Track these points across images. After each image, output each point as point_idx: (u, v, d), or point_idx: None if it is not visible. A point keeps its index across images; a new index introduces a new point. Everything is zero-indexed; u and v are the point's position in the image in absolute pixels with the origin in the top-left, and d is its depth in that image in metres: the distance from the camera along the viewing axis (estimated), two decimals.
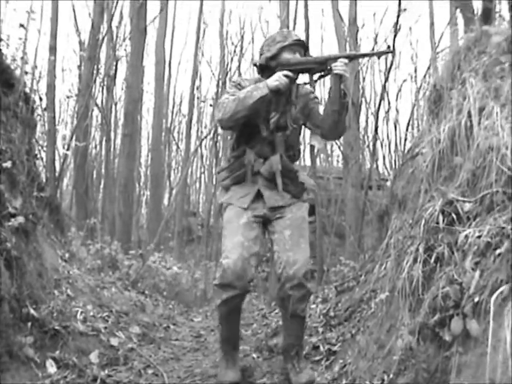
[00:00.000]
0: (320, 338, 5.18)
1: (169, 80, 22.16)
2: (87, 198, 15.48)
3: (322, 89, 21.16)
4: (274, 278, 4.24)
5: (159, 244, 14.36)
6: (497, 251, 2.86)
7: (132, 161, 13.84)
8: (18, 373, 3.52)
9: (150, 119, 21.21)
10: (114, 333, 5.30)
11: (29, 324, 3.96)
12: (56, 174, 11.00)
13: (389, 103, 17.72)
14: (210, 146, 18.20)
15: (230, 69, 19.60)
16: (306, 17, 10.41)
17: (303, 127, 4.13)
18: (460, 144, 4.10)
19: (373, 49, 16.05)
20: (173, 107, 25.44)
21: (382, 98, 11.94)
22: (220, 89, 18.04)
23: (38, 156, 7.14)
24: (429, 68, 12.52)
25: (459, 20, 12.91)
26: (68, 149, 12.00)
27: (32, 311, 4.03)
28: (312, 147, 9.92)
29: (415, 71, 18.12)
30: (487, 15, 6.74)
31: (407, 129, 14.12)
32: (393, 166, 16.99)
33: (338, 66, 3.56)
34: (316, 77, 3.80)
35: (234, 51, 20.51)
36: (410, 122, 14.84)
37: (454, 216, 3.51)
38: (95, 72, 14.49)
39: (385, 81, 12.14)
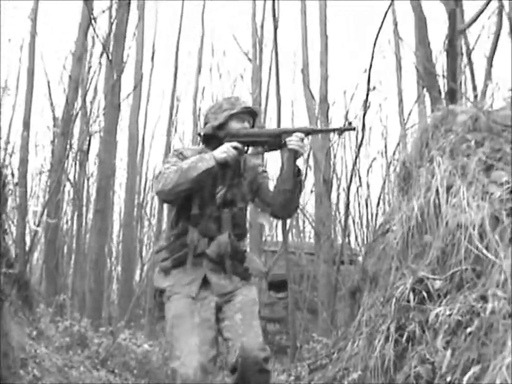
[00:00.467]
0: None
1: (142, 156, 22.24)
2: (57, 273, 15.23)
3: None
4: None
5: (130, 321, 14.11)
6: (468, 329, 2.88)
7: (103, 236, 13.74)
8: None
9: (122, 194, 21.16)
10: None
11: None
12: (26, 249, 10.85)
13: (360, 179, 17.93)
14: None
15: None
16: (278, 93, 10.62)
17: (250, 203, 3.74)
18: (429, 221, 4.15)
19: (344, 124, 16.37)
20: (146, 182, 25.46)
21: (353, 175, 12.09)
22: None
23: (8, 231, 7.08)
24: (398, 145, 12.75)
25: (426, 98, 13.31)
26: (38, 225, 11.90)
27: None
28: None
29: (385, 146, 18.42)
30: (453, 95, 6.97)
31: (378, 205, 14.27)
32: (365, 241, 17.06)
33: (293, 141, 3.23)
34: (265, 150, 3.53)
35: None
36: (381, 198, 15.02)
37: (425, 294, 3.53)
38: (68, 147, 14.53)
39: (356, 158, 12.35)
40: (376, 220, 14.72)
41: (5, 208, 6.58)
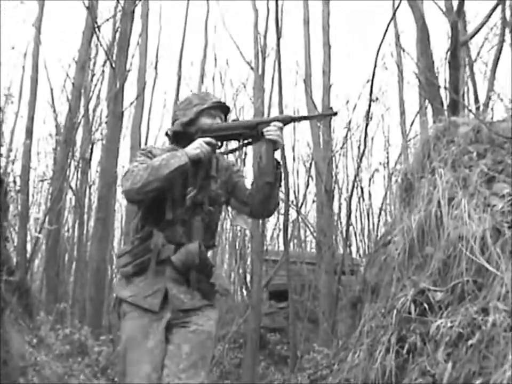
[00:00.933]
0: None
1: None
2: (58, 281, 15.25)
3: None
4: None
5: None
6: (469, 342, 2.87)
7: (104, 244, 13.74)
8: None
9: (123, 202, 21.19)
10: None
11: None
12: (27, 257, 10.86)
13: (361, 190, 17.95)
14: None
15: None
16: (280, 104, 10.66)
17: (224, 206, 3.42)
18: (430, 233, 4.15)
19: (345, 136, 16.40)
20: None
21: (354, 185, 12.11)
22: None
23: (9, 238, 7.08)
24: (400, 156, 12.77)
25: (428, 109, 13.34)
26: (39, 232, 11.90)
27: None
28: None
29: (387, 157, 18.44)
30: (455, 106, 6.98)
31: (379, 216, 14.30)
32: (366, 252, 17.07)
33: (271, 131, 2.97)
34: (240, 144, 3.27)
35: None
36: (383, 208, 15.03)
37: (426, 305, 3.52)
38: (70, 155, 14.57)
39: (358, 169, 12.36)
40: (377, 230, 14.75)
41: (6, 215, 6.59)
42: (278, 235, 20.42)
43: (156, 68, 19.84)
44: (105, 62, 15.96)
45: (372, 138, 18.21)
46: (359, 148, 16.97)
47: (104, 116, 16.83)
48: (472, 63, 11.45)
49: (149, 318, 2.91)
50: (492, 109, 8.52)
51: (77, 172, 17.51)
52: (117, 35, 13.57)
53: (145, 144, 21.31)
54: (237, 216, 3.41)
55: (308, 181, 17.09)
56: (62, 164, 13.55)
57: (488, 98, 9.00)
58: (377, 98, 15.82)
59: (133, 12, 10.25)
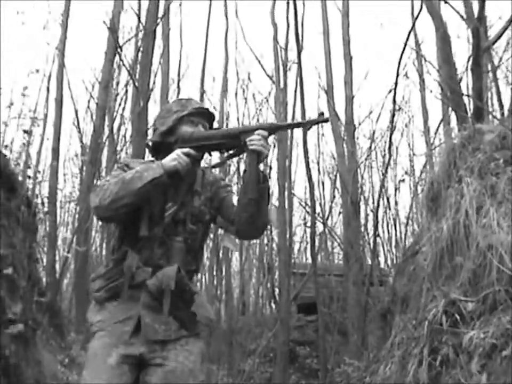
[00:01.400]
0: None
1: None
2: (88, 300, 15.33)
3: None
4: None
5: None
6: (503, 353, 2.84)
7: None
8: None
9: None
10: None
11: None
12: (57, 277, 10.95)
13: (387, 200, 17.84)
14: (210, 247, 18.19)
15: (229, 172, 19.87)
16: (303, 117, 10.65)
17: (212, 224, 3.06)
18: (459, 242, 4.12)
19: (370, 147, 16.32)
20: None
21: (380, 196, 12.06)
22: None
23: (39, 259, 7.16)
24: (425, 165, 12.72)
25: (452, 116, 13.27)
26: (68, 252, 12.01)
27: None
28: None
29: (412, 166, 18.33)
30: (479, 114, 6.92)
31: (406, 225, 14.21)
32: (394, 261, 16.96)
33: (255, 141, 2.64)
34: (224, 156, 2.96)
35: None
36: (410, 218, 14.93)
37: (457, 316, 3.49)
38: (96, 175, 14.69)
39: (383, 179, 12.32)
40: (405, 240, 14.66)
41: (35, 237, 6.66)
42: (305, 248, 20.38)
43: (178, 85, 19.96)
44: (128, 82, 16.11)
45: (396, 148, 18.11)
46: (383, 157, 16.92)
47: (128, 135, 16.96)
48: (495, 69, 11.36)
49: (116, 339, 2.58)
50: None
51: None
52: (139, 54, 13.71)
53: None
54: (224, 236, 3.07)
55: (333, 193, 17.08)
56: (88, 184, 13.66)
57: None
58: (400, 108, 15.78)
59: (155, 31, 10.31)
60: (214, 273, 17.12)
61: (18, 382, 3.99)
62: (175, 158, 2.67)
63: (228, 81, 20.21)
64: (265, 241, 19.13)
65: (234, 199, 2.85)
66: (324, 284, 14.43)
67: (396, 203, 18.53)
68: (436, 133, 15.26)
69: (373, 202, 17.16)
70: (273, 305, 17.88)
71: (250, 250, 21.48)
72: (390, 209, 18.24)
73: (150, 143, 2.95)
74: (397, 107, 11.01)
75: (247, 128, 2.77)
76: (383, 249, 18.82)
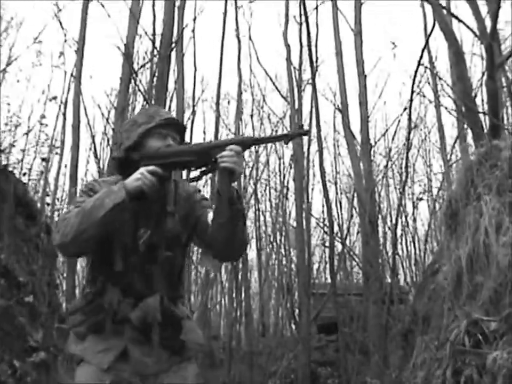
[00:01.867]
0: None
1: None
2: None
3: None
4: None
5: None
6: None
7: None
8: None
9: None
10: None
11: None
12: None
13: (406, 218, 17.76)
14: (229, 269, 18.20)
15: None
16: (319, 137, 10.70)
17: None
18: (479, 261, 4.10)
19: (386, 165, 16.28)
20: None
21: (398, 215, 12.04)
22: None
23: (59, 285, 7.20)
24: (442, 182, 12.69)
25: (468, 132, 13.22)
26: None
27: None
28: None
29: (429, 182, 18.28)
30: (495, 130, 6.91)
31: (425, 243, 14.15)
32: (414, 279, 16.87)
33: (226, 158, 2.35)
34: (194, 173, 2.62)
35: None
36: (429, 235, 14.87)
37: (480, 336, 3.47)
38: None
39: (401, 198, 12.29)
40: (424, 257, 14.58)
41: (55, 263, 6.71)
42: (324, 268, 20.33)
43: (193, 110, 20.07)
44: (144, 106, 16.23)
45: (413, 165, 18.08)
46: (400, 175, 16.89)
47: None
48: (510, 84, 11.34)
49: (101, 370, 2.40)
50: None
51: None
52: (154, 79, 13.82)
53: None
54: (203, 256, 2.82)
55: (351, 212, 17.03)
56: None
57: None
58: (416, 126, 15.76)
59: (169, 56, 10.42)
60: (234, 295, 17.08)
61: None
62: (139, 177, 2.40)
63: (242, 103, 20.30)
64: (284, 262, 19.12)
65: (210, 217, 2.55)
66: (343, 303, 14.37)
67: (414, 220, 18.46)
68: (452, 150, 15.23)
69: (391, 220, 17.12)
70: (293, 326, 17.81)
71: (269, 271, 21.46)
72: (408, 226, 18.18)
73: (116, 158, 2.67)
74: (412, 124, 11.00)
75: (218, 143, 2.48)
76: (402, 267, 18.75)
